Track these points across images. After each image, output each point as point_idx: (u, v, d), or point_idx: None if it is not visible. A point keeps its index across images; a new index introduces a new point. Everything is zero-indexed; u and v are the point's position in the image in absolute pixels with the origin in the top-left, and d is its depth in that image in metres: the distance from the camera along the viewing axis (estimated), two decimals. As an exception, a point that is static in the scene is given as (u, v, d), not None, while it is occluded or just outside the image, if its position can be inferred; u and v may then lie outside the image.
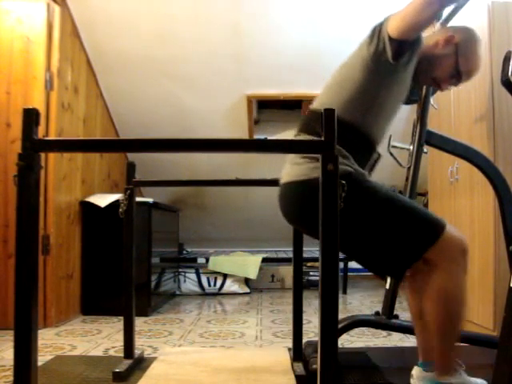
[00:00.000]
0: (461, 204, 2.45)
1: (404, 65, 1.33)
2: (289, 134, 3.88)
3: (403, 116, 3.53)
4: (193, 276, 3.94)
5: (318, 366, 0.99)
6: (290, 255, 2.01)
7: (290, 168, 1.38)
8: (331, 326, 1.01)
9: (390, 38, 1.28)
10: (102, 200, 3.02)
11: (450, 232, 1.28)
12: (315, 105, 1.44)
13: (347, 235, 1.27)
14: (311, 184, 1.25)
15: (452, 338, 1.29)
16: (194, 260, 4.06)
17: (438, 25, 1.66)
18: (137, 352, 1.95)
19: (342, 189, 1.03)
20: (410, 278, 1.44)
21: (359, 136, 1.35)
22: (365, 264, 1.40)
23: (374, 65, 1.32)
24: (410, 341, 2.31)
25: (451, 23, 1.80)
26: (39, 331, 1.80)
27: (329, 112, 1.03)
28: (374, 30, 1.37)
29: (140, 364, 1.91)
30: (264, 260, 4.02)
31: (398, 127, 3.51)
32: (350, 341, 2.34)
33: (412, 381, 1.46)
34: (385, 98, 1.36)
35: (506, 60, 1.64)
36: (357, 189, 1.26)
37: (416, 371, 1.46)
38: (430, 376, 1.41)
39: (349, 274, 4.13)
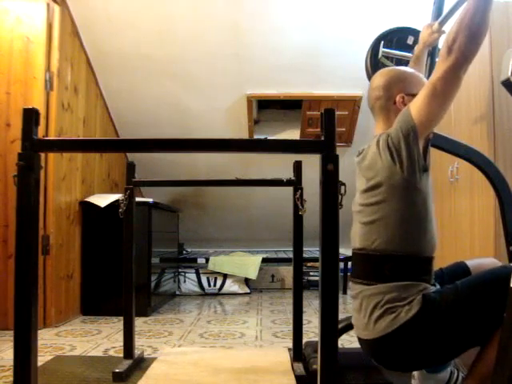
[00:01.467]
0: (461, 204, 2.45)
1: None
2: (289, 134, 3.88)
3: (403, 116, 3.52)
4: (193, 276, 3.94)
5: (317, 365, 0.99)
6: (290, 255, 2.01)
7: (365, 322, 1.27)
8: (331, 326, 1.01)
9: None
10: (102, 200, 3.02)
11: None
12: (359, 242, 1.31)
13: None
14: (399, 333, 1.20)
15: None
16: (194, 260, 4.06)
17: (436, 24, 1.65)
18: (137, 352, 1.95)
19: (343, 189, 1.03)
20: None
21: (423, 261, 1.27)
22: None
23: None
24: (410, 341, 2.31)
25: (450, 23, 1.80)
26: (39, 331, 1.80)
27: (328, 112, 1.03)
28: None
29: (140, 364, 1.91)
30: (264, 260, 4.03)
31: (397, 127, 3.51)
32: (349, 341, 2.33)
33: (413, 381, 1.45)
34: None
35: (505, 60, 1.64)
36: (430, 316, 1.21)
37: (418, 372, 1.45)
38: (436, 378, 1.41)
39: (349, 273, 4.12)
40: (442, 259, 2.82)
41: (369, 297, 1.26)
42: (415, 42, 1.91)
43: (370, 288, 1.26)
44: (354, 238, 1.35)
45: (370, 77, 1.99)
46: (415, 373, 1.45)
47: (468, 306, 1.20)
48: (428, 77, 1.48)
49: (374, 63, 1.95)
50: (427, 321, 1.19)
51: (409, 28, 2.01)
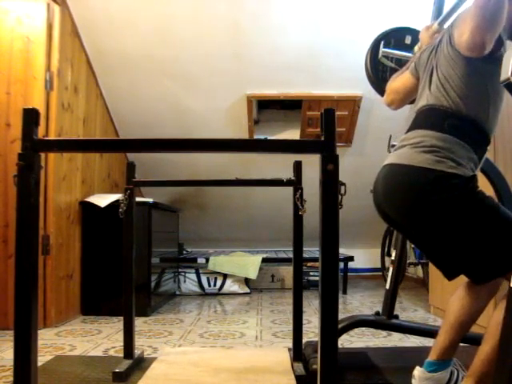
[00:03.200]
0: (461, 204, 2.45)
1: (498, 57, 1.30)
2: (289, 134, 3.88)
3: (403, 116, 3.52)
4: (193, 276, 3.94)
5: (317, 365, 0.99)
6: (290, 255, 2.01)
7: (410, 152, 1.34)
8: (331, 326, 1.01)
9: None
10: (102, 200, 3.02)
11: None
12: (427, 102, 1.39)
13: (443, 231, 1.29)
14: (435, 175, 1.26)
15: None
16: (194, 260, 4.06)
17: (435, 25, 1.65)
18: (137, 352, 1.95)
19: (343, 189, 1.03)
20: (471, 286, 1.42)
21: (480, 130, 1.34)
22: (444, 262, 1.39)
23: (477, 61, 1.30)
24: (410, 341, 2.31)
25: (448, 23, 1.80)
26: (39, 331, 1.80)
27: (328, 112, 1.03)
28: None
29: (140, 364, 1.91)
30: (264, 260, 4.03)
31: (398, 127, 3.51)
32: (349, 341, 2.33)
33: (414, 381, 1.45)
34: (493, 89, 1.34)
35: (506, 60, 1.64)
36: (468, 193, 1.26)
37: (418, 372, 1.45)
38: (436, 377, 1.41)
39: (349, 274, 4.13)
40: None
41: (422, 136, 1.34)
42: (414, 41, 1.91)
43: (425, 131, 1.34)
44: (419, 100, 1.44)
45: (370, 77, 1.99)
46: (415, 372, 1.45)
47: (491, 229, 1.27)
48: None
49: (374, 63, 1.96)
50: (462, 195, 1.25)
51: (409, 28, 2.02)
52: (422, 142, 1.33)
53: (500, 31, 1.23)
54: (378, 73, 1.99)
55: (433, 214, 1.29)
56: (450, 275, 1.40)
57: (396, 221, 1.42)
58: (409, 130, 1.41)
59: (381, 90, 2.04)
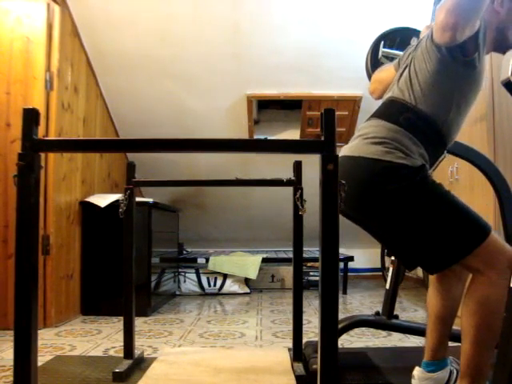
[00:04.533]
0: (461, 204, 2.45)
1: (475, 60, 1.30)
2: (289, 134, 3.88)
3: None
4: (193, 276, 3.94)
5: (318, 366, 0.99)
6: (290, 255, 2.01)
7: (360, 143, 1.36)
8: (331, 326, 1.00)
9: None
10: (102, 200, 3.02)
11: (497, 241, 1.27)
12: (392, 94, 1.41)
13: (395, 222, 1.30)
14: (383, 166, 1.27)
15: (487, 350, 1.25)
16: (194, 260, 4.06)
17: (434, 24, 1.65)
18: (137, 352, 1.95)
19: (343, 189, 1.03)
20: (440, 278, 1.44)
21: (436, 130, 1.34)
22: (401, 253, 1.41)
23: (449, 60, 1.30)
24: (409, 341, 2.31)
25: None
26: (39, 331, 1.80)
27: (328, 112, 1.03)
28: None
29: (140, 364, 1.91)
30: (264, 260, 4.03)
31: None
32: (350, 341, 2.33)
33: (413, 382, 1.45)
34: (461, 93, 1.34)
35: (506, 60, 1.64)
36: (418, 184, 1.27)
37: (417, 372, 1.45)
38: (435, 377, 1.41)
39: (349, 274, 4.13)
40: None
41: (375, 126, 1.36)
42: (414, 41, 1.91)
43: (380, 121, 1.36)
44: (388, 92, 1.46)
45: (370, 77, 1.99)
46: (415, 373, 1.46)
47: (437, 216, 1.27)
48: None
49: (375, 63, 1.96)
50: (411, 185, 1.26)
51: (409, 28, 2.02)
52: (373, 133, 1.34)
53: (475, 25, 1.21)
54: None
55: (383, 205, 1.30)
56: (408, 266, 1.42)
57: (350, 214, 1.41)
58: (369, 119, 1.43)
59: None
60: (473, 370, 1.25)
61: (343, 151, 1.41)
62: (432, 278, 1.48)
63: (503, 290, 1.16)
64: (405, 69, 1.42)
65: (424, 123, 1.32)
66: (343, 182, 1.01)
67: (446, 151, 1.42)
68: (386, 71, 1.65)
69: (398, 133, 1.31)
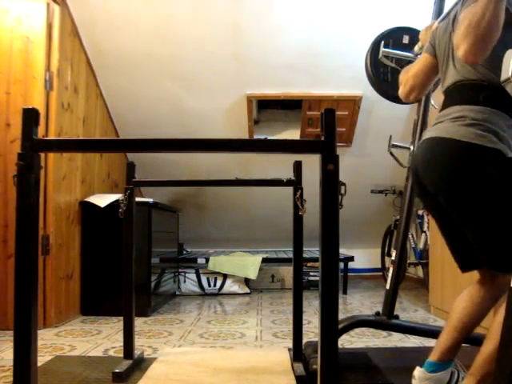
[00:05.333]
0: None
1: None
2: (289, 134, 3.88)
3: (403, 116, 3.53)
4: (193, 276, 3.94)
5: (318, 366, 0.99)
6: (290, 255, 2.01)
7: (450, 125, 1.32)
8: (331, 327, 1.00)
9: None
10: (102, 200, 3.02)
11: None
12: (455, 79, 1.37)
13: (478, 211, 1.28)
14: (474, 150, 1.25)
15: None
16: (194, 260, 4.05)
17: (436, 23, 1.65)
18: (136, 352, 1.95)
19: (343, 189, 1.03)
20: (479, 286, 1.42)
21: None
22: (479, 244, 1.34)
23: None
24: (410, 341, 2.31)
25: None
26: (39, 331, 1.80)
27: (328, 112, 1.03)
28: None
29: (140, 364, 1.91)
30: (264, 260, 4.02)
31: (398, 127, 3.52)
32: (350, 341, 2.33)
33: (414, 382, 1.45)
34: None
35: (506, 60, 1.64)
36: (507, 174, 1.25)
37: (418, 372, 1.44)
38: (436, 378, 1.40)
39: (349, 274, 4.13)
40: (442, 260, 2.82)
41: (459, 111, 1.32)
42: (413, 41, 1.91)
43: (461, 106, 1.32)
44: (445, 80, 1.42)
45: (369, 76, 1.99)
46: (415, 373, 1.45)
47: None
48: None
49: (375, 63, 1.96)
50: (501, 175, 1.24)
51: (409, 28, 2.02)
52: (461, 117, 1.31)
53: (494, 42, 1.20)
54: (379, 73, 1.99)
55: (468, 188, 1.27)
56: (477, 262, 1.38)
57: (430, 192, 1.38)
58: (443, 109, 1.39)
59: (381, 91, 2.04)
60: (486, 371, 1.25)
61: (429, 133, 1.37)
62: (471, 284, 1.45)
63: None
64: (452, 54, 1.37)
65: (503, 95, 1.26)
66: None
67: None
68: (418, 62, 1.58)
69: (484, 112, 1.28)
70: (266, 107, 4.00)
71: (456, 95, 1.37)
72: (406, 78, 1.62)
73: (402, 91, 1.65)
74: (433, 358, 1.44)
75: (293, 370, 1.78)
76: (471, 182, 1.27)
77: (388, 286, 1.94)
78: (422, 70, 1.56)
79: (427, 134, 1.40)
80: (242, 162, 3.85)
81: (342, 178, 1.04)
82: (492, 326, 1.27)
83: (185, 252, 4.48)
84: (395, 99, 1.91)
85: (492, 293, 1.39)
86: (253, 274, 3.92)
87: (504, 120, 1.29)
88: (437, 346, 1.45)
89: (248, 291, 3.97)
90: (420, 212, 4.04)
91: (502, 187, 1.25)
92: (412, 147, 1.96)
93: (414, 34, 1.95)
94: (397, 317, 1.90)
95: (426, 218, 3.75)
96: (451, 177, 1.30)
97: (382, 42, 1.97)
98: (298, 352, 1.88)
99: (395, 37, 2.01)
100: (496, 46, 1.25)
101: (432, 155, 1.36)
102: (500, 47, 1.25)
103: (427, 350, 1.48)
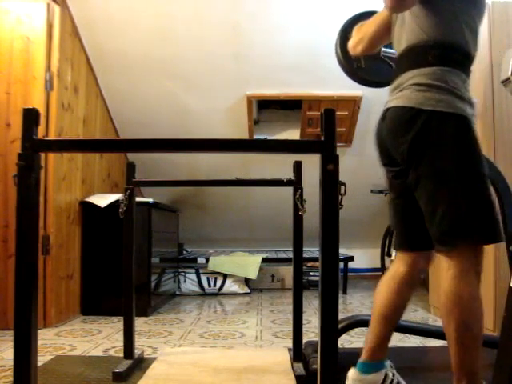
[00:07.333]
0: (461, 204, 2.44)
1: None
2: (289, 134, 3.88)
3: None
4: (193, 276, 3.94)
5: (317, 366, 0.99)
6: (290, 255, 2.01)
7: (407, 93, 1.30)
8: (331, 326, 1.01)
9: None
10: (102, 200, 3.02)
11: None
12: (405, 44, 1.35)
13: (435, 174, 1.25)
14: (435, 116, 1.23)
15: (474, 350, 1.20)
16: (194, 260, 4.06)
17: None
18: (137, 352, 1.95)
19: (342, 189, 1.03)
20: (396, 274, 1.42)
21: (465, 53, 1.30)
22: (429, 213, 1.30)
23: None
24: (410, 341, 2.31)
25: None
26: (39, 331, 1.80)
27: (328, 112, 1.03)
28: None
29: (140, 364, 1.91)
30: (264, 260, 4.03)
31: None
32: (350, 341, 2.33)
33: (347, 382, 1.38)
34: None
35: (506, 60, 1.64)
36: (462, 135, 1.24)
37: (351, 373, 1.38)
38: (368, 379, 1.35)
39: (349, 274, 4.13)
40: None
41: (411, 77, 1.30)
42: None
43: (412, 71, 1.31)
44: (397, 44, 1.40)
45: (343, 66, 1.92)
46: (349, 374, 1.39)
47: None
48: None
49: (345, 50, 1.87)
50: (456, 134, 1.23)
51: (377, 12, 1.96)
52: (417, 83, 1.28)
53: None
54: (351, 61, 1.91)
55: (431, 149, 1.25)
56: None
57: (397, 160, 1.36)
58: (395, 78, 1.37)
59: (358, 77, 1.95)
60: (464, 371, 1.20)
61: (389, 103, 1.36)
62: (386, 275, 1.45)
63: (476, 288, 1.20)
64: (404, 17, 1.36)
65: (451, 51, 1.28)
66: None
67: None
68: (374, 17, 1.54)
69: (436, 73, 1.26)
70: (266, 107, 4.00)
71: (404, 61, 1.35)
72: (359, 28, 1.60)
73: (350, 43, 1.62)
74: (362, 358, 1.39)
75: (293, 369, 1.78)
76: (435, 144, 1.25)
77: (388, 286, 1.93)
78: (374, 21, 1.52)
79: (389, 104, 1.37)
80: (242, 161, 3.85)
81: (341, 177, 1.04)
82: (443, 324, 1.27)
83: (185, 252, 4.48)
84: (374, 84, 1.88)
85: (407, 283, 1.40)
86: (253, 274, 3.92)
87: (457, 76, 1.27)
88: (364, 346, 1.41)
89: (248, 291, 3.97)
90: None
91: (460, 148, 1.23)
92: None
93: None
94: (396, 317, 1.90)
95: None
96: (417, 143, 1.27)
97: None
98: (298, 352, 1.88)
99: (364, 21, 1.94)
100: (439, 5, 1.27)
101: (397, 125, 1.33)
102: (444, 5, 1.27)
103: (427, 350, 1.48)
